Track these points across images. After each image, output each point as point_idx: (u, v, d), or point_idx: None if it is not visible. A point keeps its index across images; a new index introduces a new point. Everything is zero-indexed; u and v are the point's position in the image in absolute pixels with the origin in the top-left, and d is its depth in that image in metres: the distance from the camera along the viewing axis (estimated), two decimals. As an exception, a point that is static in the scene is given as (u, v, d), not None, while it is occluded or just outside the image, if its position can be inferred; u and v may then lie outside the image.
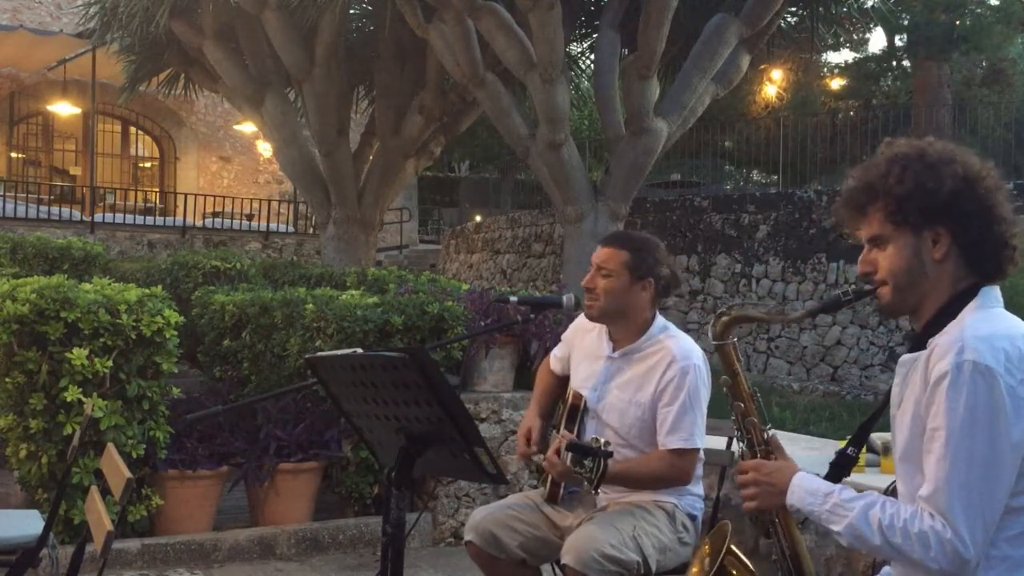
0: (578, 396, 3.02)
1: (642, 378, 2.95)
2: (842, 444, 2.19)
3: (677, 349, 2.92)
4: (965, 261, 1.88)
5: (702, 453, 2.99)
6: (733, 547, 2.20)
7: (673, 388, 2.88)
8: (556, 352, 3.29)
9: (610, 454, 2.64)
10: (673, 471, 2.89)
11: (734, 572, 2.19)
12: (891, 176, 1.89)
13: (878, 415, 2.12)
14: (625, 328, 3.01)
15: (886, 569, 2.02)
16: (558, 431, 3.04)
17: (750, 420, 2.13)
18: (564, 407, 3.08)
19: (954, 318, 1.85)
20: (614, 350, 3.02)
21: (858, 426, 2.18)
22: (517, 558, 2.97)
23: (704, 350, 2.98)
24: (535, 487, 3.27)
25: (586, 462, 2.66)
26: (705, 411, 2.94)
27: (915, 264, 1.88)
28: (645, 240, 3.07)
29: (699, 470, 3.08)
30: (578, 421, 3.00)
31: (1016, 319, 1.87)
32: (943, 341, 1.82)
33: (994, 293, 1.89)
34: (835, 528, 1.88)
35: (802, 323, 11.76)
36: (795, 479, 1.98)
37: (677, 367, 2.88)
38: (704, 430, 2.93)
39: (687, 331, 3.12)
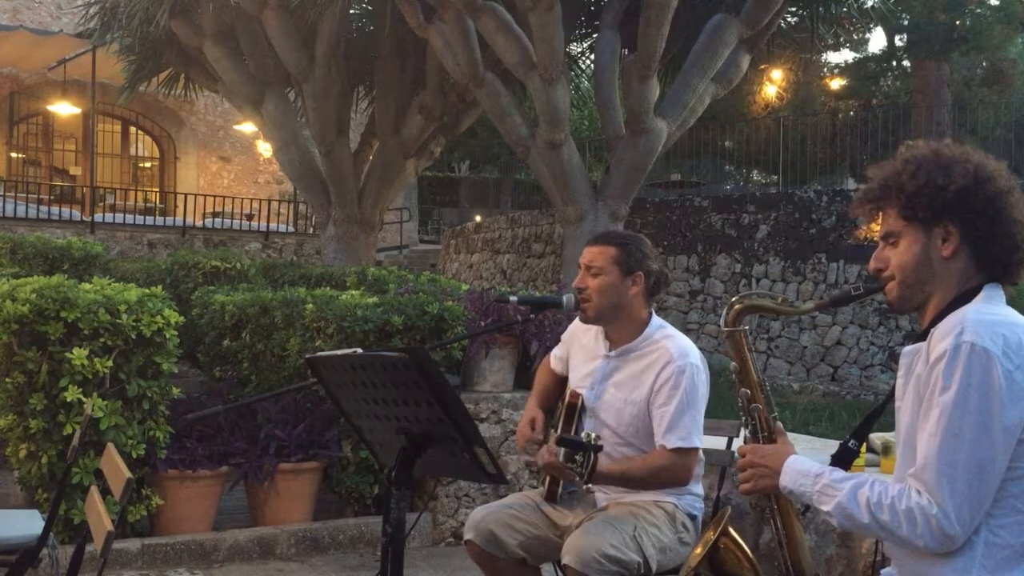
0: (575, 395, 3.02)
1: (638, 377, 2.94)
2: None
3: (674, 349, 2.91)
4: (974, 261, 1.90)
5: (702, 453, 2.98)
6: (730, 529, 2.22)
7: (670, 387, 2.87)
8: (556, 352, 3.29)
9: (600, 448, 2.64)
10: (674, 469, 2.87)
11: (727, 552, 2.21)
12: (904, 173, 1.92)
13: (882, 409, 2.14)
14: (621, 328, 3.01)
15: (886, 570, 2.02)
16: (556, 430, 3.04)
17: (756, 407, 2.14)
18: (562, 406, 3.08)
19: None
20: (611, 349, 3.02)
21: (861, 420, 2.19)
22: (517, 557, 2.96)
23: (703, 350, 2.99)
24: (535, 487, 3.28)
25: (578, 457, 2.66)
26: (703, 410, 2.93)
27: (923, 260, 1.91)
28: (631, 236, 3.10)
29: (699, 470, 3.08)
30: (576, 420, 3.00)
31: (1018, 313, 1.88)
32: (943, 325, 1.84)
33: (998, 291, 1.91)
34: (825, 508, 1.90)
35: (801, 323, 11.77)
36: (788, 461, 2.00)
37: (674, 366, 2.88)
38: (702, 429, 2.92)
39: (687, 331, 3.13)
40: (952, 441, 1.75)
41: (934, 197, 1.88)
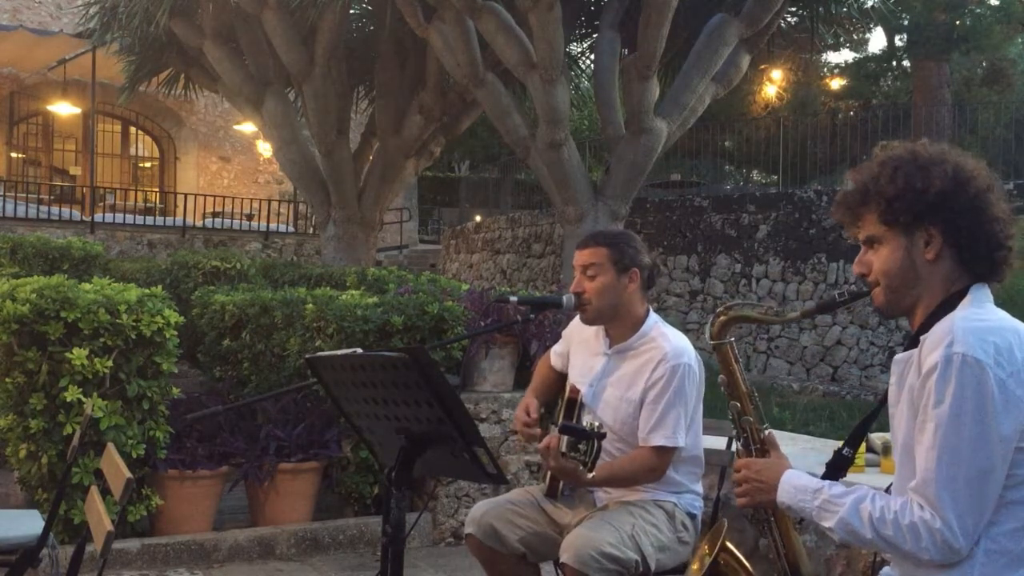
0: (575, 390, 3.03)
1: (634, 375, 2.96)
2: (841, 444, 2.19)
3: (669, 348, 2.92)
4: (959, 262, 1.88)
5: (685, 452, 2.97)
6: (728, 544, 2.21)
7: (661, 386, 2.88)
8: (556, 348, 3.30)
9: (603, 435, 2.64)
10: (646, 470, 2.89)
11: (726, 567, 2.20)
12: (882, 177, 1.90)
13: (875, 415, 2.13)
14: (621, 325, 3.02)
15: (886, 570, 2.02)
16: (556, 425, 3.04)
17: (746, 419, 2.14)
18: (562, 401, 3.09)
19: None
20: (610, 346, 3.04)
21: (854, 426, 2.18)
22: (517, 552, 2.97)
23: (702, 350, 2.99)
24: (536, 484, 3.28)
25: (581, 446, 2.66)
26: (692, 410, 2.93)
27: (907, 264, 1.89)
28: (621, 233, 3.12)
29: (699, 468, 3.08)
30: (575, 415, 3.00)
31: (1006, 314, 1.87)
32: (933, 334, 1.82)
33: (985, 291, 1.89)
34: (827, 524, 1.89)
35: (801, 323, 11.77)
36: (784, 477, 1.99)
37: (667, 365, 2.89)
38: (685, 429, 2.91)
39: (687, 331, 3.14)
40: (950, 455, 1.75)
41: (914, 201, 1.86)
